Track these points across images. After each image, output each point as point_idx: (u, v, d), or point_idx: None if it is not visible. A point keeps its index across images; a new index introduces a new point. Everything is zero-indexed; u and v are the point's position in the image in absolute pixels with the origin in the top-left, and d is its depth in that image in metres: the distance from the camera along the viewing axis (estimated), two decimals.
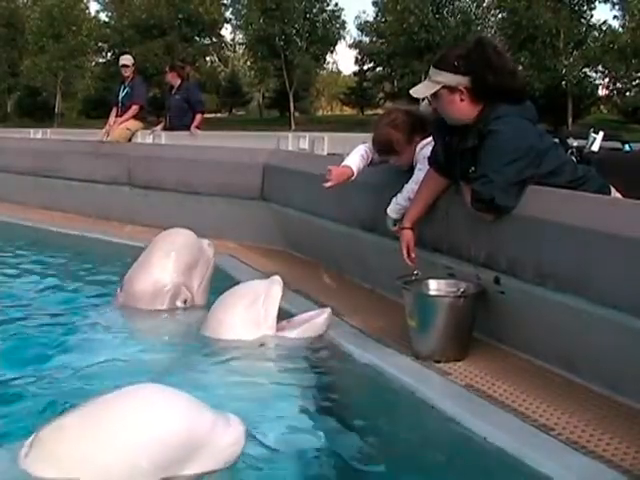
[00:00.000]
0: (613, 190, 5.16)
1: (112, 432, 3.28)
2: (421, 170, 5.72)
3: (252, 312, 5.62)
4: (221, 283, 6.93)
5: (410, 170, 5.95)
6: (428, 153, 5.68)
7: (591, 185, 5.04)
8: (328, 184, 6.11)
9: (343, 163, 6.23)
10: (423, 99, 5.58)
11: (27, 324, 6.18)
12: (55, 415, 3.60)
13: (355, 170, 6.17)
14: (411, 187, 5.75)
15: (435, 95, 5.19)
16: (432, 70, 5.20)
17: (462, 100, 5.08)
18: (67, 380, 4.86)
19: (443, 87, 5.11)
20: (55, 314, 6.53)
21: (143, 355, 5.46)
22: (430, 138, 5.81)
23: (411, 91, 5.38)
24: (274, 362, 5.28)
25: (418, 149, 5.94)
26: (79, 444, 3.26)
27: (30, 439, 3.39)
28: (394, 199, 5.88)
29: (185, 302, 6.41)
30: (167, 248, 6.49)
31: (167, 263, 6.40)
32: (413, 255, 5.58)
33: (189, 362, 5.28)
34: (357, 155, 6.26)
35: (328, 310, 5.80)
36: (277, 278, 5.84)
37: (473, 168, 4.97)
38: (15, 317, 6.39)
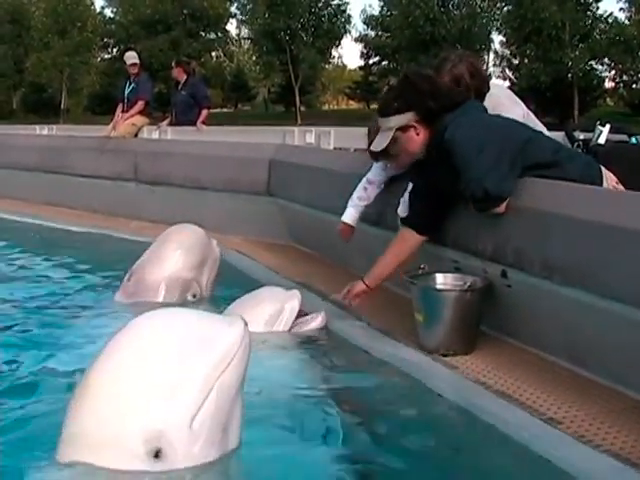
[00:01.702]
0: (604, 171, 5.18)
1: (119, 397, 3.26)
2: None
3: (273, 317, 5.70)
4: (228, 278, 6.95)
5: None
6: None
7: (578, 162, 5.15)
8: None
9: (342, 219, 6.54)
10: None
11: (33, 319, 6.20)
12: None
13: (352, 222, 6.53)
14: None
15: (394, 141, 5.31)
16: (380, 121, 5.39)
17: (418, 133, 5.25)
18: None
19: (397, 130, 5.25)
20: (61, 307, 6.62)
21: None
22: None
23: (371, 147, 5.56)
24: (285, 356, 5.30)
25: None
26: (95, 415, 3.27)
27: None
28: (402, 199, 5.89)
29: (194, 297, 6.43)
30: (180, 242, 6.53)
31: (180, 256, 6.44)
32: (352, 303, 5.77)
33: None
34: (351, 208, 6.53)
35: (322, 314, 5.89)
36: (297, 292, 5.92)
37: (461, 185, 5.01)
38: (21, 313, 6.41)
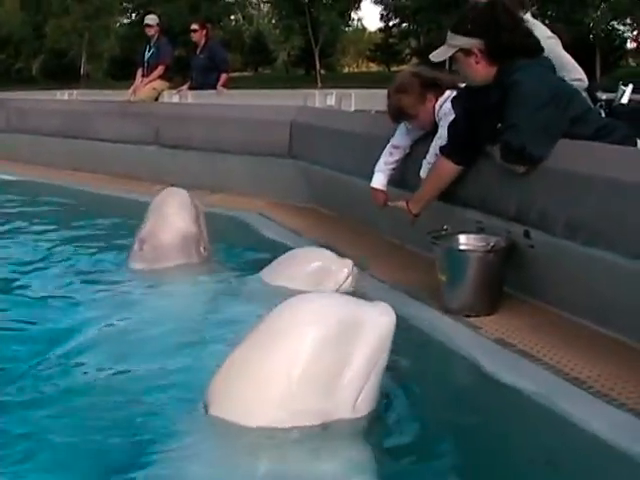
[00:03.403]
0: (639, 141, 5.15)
1: (277, 347, 3.46)
2: (443, 127, 5.74)
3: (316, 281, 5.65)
4: (250, 241, 6.98)
5: (434, 129, 6.00)
6: (449, 107, 5.74)
7: (616, 135, 5.04)
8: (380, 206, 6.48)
9: (371, 185, 6.51)
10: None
11: (57, 288, 6.24)
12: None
13: (381, 187, 6.49)
14: (437, 144, 5.77)
15: (455, 59, 5.29)
16: (449, 34, 5.30)
17: (477, 62, 5.19)
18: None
19: (459, 50, 5.21)
20: (82, 273, 6.66)
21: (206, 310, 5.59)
22: (448, 92, 5.88)
23: (430, 55, 5.46)
24: None
25: (437, 107, 6.01)
26: (254, 374, 3.43)
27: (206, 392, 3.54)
28: (424, 161, 5.93)
29: (205, 249, 6.51)
30: (176, 202, 6.54)
31: (183, 214, 6.47)
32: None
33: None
34: (379, 173, 6.51)
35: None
36: (349, 263, 5.83)
37: (500, 124, 4.99)
38: (46, 280, 6.46)
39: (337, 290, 5.56)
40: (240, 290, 5.89)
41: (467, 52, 5.17)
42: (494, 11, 5.18)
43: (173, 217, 6.45)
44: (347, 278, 5.71)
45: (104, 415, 3.93)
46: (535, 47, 5.24)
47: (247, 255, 6.73)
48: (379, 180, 6.47)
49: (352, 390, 3.47)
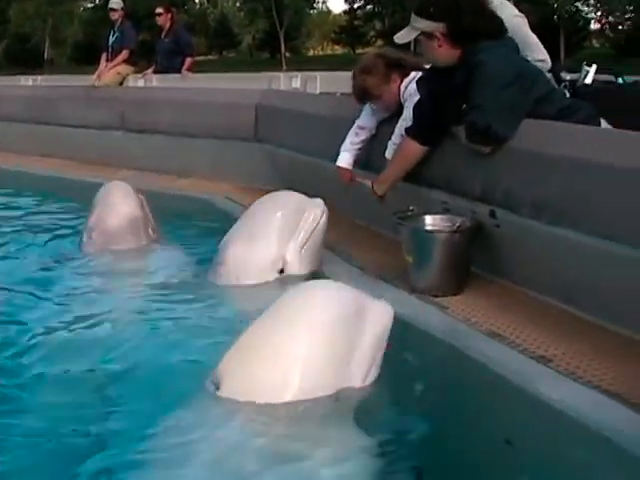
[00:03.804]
0: (603, 121, 5.17)
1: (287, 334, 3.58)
2: (409, 108, 5.75)
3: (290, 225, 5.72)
4: (218, 224, 6.97)
5: (400, 110, 6.02)
6: (414, 88, 5.74)
7: (580, 115, 5.07)
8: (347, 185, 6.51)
9: (337, 164, 6.54)
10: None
11: (14, 273, 6.30)
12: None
13: (347, 165, 6.54)
14: (402, 125, 5.78)
15: (418, 41, 5.32)
16: (412, 16, 5.32)
17: (440, 46, 5.20)
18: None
19: (421, 33, 5.23)
20: (40, 257, 6.78)
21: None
22: (413, 73, 5.89)
23: (394, 37, 5.48)
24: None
25: (402, 88, 6.02)
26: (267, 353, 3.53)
27: (215, 372, 3.56)
28: (389, 142, 5.95)
29: (153, 231, 6.80)
30: (120, 191, 6.83)
31: (128, 201, 6.74)
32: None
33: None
34: (344, 152, 6.55)
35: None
36: (320, 202, 5.85)
37: (465, 105, 5.01)
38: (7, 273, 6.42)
39: (315, 228, 5.68)
40: (199, 260, 6.26)
41: (429, 35, 5.19)
42: None
43: (119, 205, 6.69)
44: (322, 215, 5.73)
45: (92, 402, 3.95)
46: (498, 29, 5.24)
47: (213, 238, 6.73)
48: (345, 159, 6.49)
49: (359, 374, 3.66)
